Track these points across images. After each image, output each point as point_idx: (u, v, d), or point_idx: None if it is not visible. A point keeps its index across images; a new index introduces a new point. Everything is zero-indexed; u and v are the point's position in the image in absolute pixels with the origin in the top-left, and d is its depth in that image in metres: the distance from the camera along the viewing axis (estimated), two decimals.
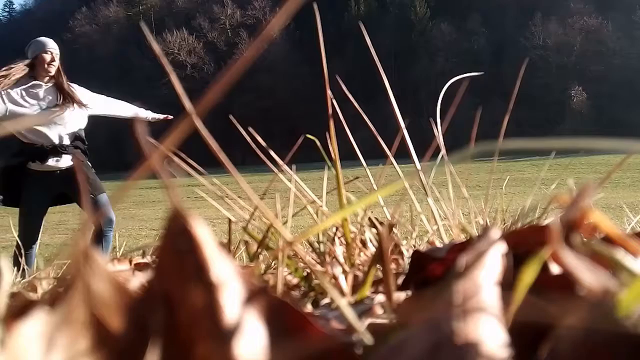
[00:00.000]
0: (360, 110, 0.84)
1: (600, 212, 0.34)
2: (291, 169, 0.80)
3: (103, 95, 3.69)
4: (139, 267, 0.67)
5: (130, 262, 0.69)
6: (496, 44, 55.23)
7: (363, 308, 0.41)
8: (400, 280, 0.46)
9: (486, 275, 0.28)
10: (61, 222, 11.62)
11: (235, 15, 60.28)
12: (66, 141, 3.40)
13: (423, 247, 0.75)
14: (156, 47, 0.39)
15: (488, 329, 0.24)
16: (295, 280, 0.57)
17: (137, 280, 0.45)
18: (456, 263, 0.29)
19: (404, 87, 51.67)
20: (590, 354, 0.23)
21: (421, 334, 0.24)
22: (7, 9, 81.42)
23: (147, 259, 0.74)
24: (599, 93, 50.32)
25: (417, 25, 57.27)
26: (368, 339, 0.29)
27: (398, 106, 0.82)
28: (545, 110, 50.62)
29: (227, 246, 0.68)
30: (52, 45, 3.45)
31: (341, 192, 0.64)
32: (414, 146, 0.82)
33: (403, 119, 0.81)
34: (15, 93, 3.38)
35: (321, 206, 0.76)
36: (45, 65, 3.40)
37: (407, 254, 0.64)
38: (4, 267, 0.33)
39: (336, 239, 0.63)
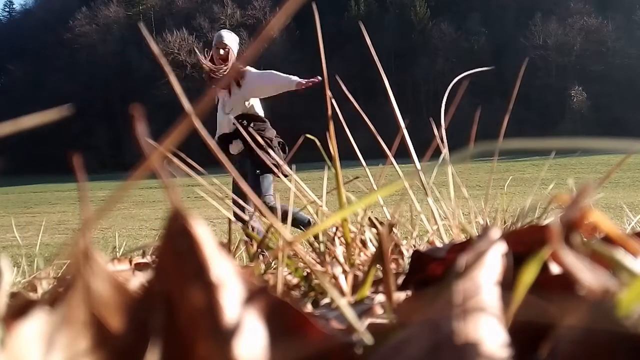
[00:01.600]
0: (360, 110, 0.84)
1: (600, 212, 0.34)
2: (291, 169, 0.80)
3: (264, 72, 3.71)
4: (139, 267, 0.67)
5: (130, 262, 0.69)
6: (496, 44, 55.22)
7: (363, 308, 0.41)
8: (400, 280, 0.46)
9: (486, 275, 0.28)
10: (61, 222, 11.62)
11: (235, 15, 60.24)
12: (230, 126, 3.65)
13: (423, 247, 0.75)
14: (155, 48, 0.39)
15: (488, 329, 0.24)
16: (295, 280, 0.57)
17: (137, 280, 0.45)
18: (456, 263, 0.29)
19: (404, 87, 51.71)
20: (590, 354, 0.23)
21: (421, 334, 0.24)
22: (7, 9, 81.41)
23: (147, 259, 0.74)
24: (599, 93, 50.31)
25: (417, 25, 57.28)
26: (368, 339, 0.29)
27: (398, 106, 0.82)
28: (545, 110, 50.63)
29: (227, 246, 0.68)
30: (221, 37, 3.74)
31: (341, 192, 0.64)
32: (414, 146, 0.82)
33: (403, 119, 0.81)
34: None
35: (321, 206, 0.75)
36: (217, 59, 3.68)
37: (407, 254, 0.64)
38: (4, 267, 0.33)
39: (336, 239, 0.63)
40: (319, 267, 0.58)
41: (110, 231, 8.13)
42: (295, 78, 3.62)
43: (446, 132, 0.93)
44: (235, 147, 3.68)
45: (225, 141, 3.66)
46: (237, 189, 3.52)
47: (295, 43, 52.57)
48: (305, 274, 0.56)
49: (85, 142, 51.43)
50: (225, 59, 3.65)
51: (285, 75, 3.72)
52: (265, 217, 0.50)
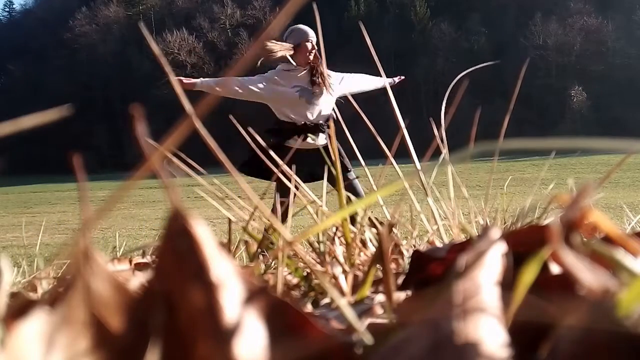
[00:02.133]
0: (360, 111, 0.84)
1: (600, 212, 0.34)
2: (291, 169, 0.80)
3: (352, 76, 3.89)
4: (139, 267, 0.67)
5: (130, 262, 0.69)
6: (496, 44, 55.21)
7: (363, 308, 0.41)
8: (400, 280, 0.46)
9: (486, 275, 0.28)
10: (61, 222, 11.61)
11: (235, 15, 60.25)
12: (321, 120, 3.66)
13: (423, 247, 0.75)
14: (155, 48, 0.39)
15: (488, 329, 0.24)
16: (295, 280, 0.57)
17: (137, 280, 0.45)
18: (456, 263, 0.29)
19: (404, 87, 51.71)
20: (590, 354, 0.23)
21: (421, 334, 0.24)
22: (7, 9, 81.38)
23: (147, 259, 0.74)
24: (599, 93, 50.33)
25: (417, 25, 57.28)
26: (368, 339, 0.29)
27: (398, 106, 0.82)
28: (545, 110, 50.62)
29: (227, 246, 0.68)
30: (312, 35, 3.70)
31: (341, 192, 0.64)
32: (414, 146, 0.82)
33: (403, 119, 0.81)
34: (271, 74, 3.69)
35: (321, 206, 0.76)
36: (306, 54, 3.64)
37: (407, 254, 0.64)
38: (4, 267, 0.33)
39: (336, 239, 0.63)
40: (319, 267, 0.58)
41: (110, 231, 8.13)
42: (383, 78, 3.75)
43: (446, 132, 0.93)
44: (320, 141, 3.71)
45: (304, 131, 3.68)
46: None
47: None
48: (305, 274, 0.56)
49: (85, 142, 51.42)
50: (312, 53, 3.75)
51: (372, 77, 3.90)
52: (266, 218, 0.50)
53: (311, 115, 3.66)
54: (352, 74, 3.91)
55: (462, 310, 0.25)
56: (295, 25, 3.75)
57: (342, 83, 3.79)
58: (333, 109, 3.74)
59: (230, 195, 0.79)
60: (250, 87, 3.67)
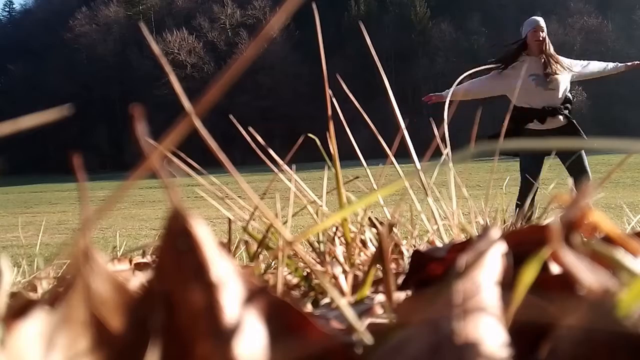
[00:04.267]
0: (361, 109, 0.84)
1: (600, 212, 0.34)
2: (291, 168, 0.80)
3: (582, 62, 4.28)
4: (139, 267, 0.67)
5: (130, 262, 0.69)
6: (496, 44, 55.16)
7: (363, 308, 0.41)
8: (400, 280, 0.46)
9: (486, 275, 0.28)
10: (61, 222, 11.61)
11: (235, 15, 60.24)
12: (557, 103, 3.96)
13: (423, 247, 0.75)
14: (155, 47, 0.39)
15: (488, 329, 0.24)
16: (295, 280, 0.57)
17: (137, 280, 0.45)
18: (456, 263, 0.29)
19: (404, 87, 51.68)
20: (590, 354, 0.23)
21: (421, 334, 0.24)
22: (7, 9, 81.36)
23: (147, 259, 0.74)
24: (599, 93, 50.33)
25: (417, 25, 57.27)
26: (368, 339, 0.29)
27: (398, 106, 0.82)
28: None
29: (227, 246, 0.68)
30: (541, 23, 4.06)
31: (341, 192, 0.64)
32: (414, 146, 0.82)
33: (403, 119, 0.81)
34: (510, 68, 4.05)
35: (321, 206, 0.75)
36: (536, 42, 3.95)
37: (407, 254, 0.64)
38: (3, 267, 0.33)
39: (336, 238, 0.63)
40: (319, 267, 0.58)
41: (110, 231, 8.13)
42: (615, 64, 4.38)
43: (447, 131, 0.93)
44: (556, 122, 4.01)
45: (543, 114, 3.94)
46: (537, 169, 3.99)
47: (295, 43, 52.56)
48: (305, 274, 0.56)
49: (85, 142, 51.41)
50: (542, 41, 4.03)
51: (604, 62, 4.34)
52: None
53: (550, 100, 3.96)
54: (583, 61, 4.30)
55: (462, 310, 0.25)
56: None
57: (575, 67, 4.11)
58: (569, 92, 4.06)
59: (230, 195, 0.79)
60: (480, 86, 4.09)
